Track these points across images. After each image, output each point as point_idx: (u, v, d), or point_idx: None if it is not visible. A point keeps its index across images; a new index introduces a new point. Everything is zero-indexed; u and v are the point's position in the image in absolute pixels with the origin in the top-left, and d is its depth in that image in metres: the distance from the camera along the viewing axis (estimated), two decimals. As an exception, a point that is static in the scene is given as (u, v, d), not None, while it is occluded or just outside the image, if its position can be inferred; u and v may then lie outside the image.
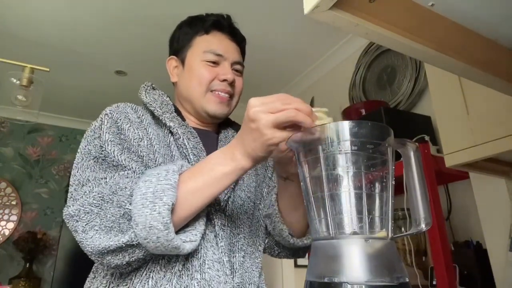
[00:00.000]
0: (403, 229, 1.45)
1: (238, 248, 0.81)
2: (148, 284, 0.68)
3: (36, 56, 2.47)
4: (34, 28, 2.26)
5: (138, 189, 0.63)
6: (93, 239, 0.63)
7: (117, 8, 2.11)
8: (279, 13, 2.14)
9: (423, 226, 0.50)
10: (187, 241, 0.67)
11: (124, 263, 0.65)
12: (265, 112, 0.57)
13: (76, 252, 2.85)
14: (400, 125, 1.52)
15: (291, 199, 0.81)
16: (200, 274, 0.72)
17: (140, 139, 0.76)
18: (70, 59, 2.60)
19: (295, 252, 0.93)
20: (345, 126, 0.50)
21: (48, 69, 1.56)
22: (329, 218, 0.48)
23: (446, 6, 0.45)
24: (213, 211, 0.78)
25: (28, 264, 2.97)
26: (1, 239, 3.10)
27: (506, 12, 0.47)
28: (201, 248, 0.74)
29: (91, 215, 0.64)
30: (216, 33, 0.92)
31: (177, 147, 0.82)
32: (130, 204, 0.63)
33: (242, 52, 0.97)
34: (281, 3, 2.04)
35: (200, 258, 0.73)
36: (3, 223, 3.15)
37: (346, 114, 1.84)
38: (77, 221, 0.65)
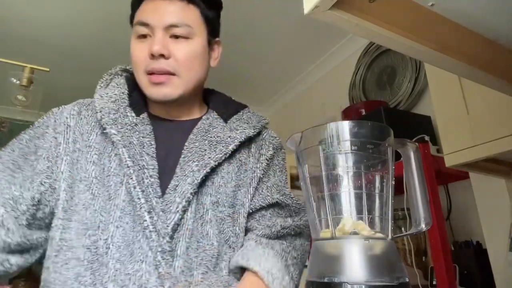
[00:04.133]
0: (403, 229, 1.45)
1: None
2: None
3: (36, 56, 2.47)
4: (34, 28, 2.26)
5: None
6: None
7: (117, 8, 2.11)
8: (279, 12, 2.14)
9: (423, 226, 0.50)
10: None
11: None
12: None
13: (76, 252, 2.85)
14: (400, 125, 1.52)
15: None
16: None
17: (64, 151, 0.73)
18: (70, 59, 2.60)
19: None
20: (345, 126, 0.50)
21: (48, 69, 1.57)
22: (329, 218, 0.48)
23: (446, 6, 0.45)
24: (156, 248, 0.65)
25: (28, 264, 2.97)
26: None
27: (506, 12, 0.47)
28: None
29: None
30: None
31: (116, 154, 0.72)
32: None
33: (205, 17, 0.78)
34: (281, 2, 2.04)
35: None
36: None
37: (346, 114, 1.84)
38: None
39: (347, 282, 0.42)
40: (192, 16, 0.76)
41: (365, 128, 0.50)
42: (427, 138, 1.43)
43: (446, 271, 1.17)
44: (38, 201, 0.70)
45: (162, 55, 0.72)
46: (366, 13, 0.42)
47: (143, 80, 0.75)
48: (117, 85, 0.80)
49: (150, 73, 0.73)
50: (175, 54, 0.73)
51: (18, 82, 1.57)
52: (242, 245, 0.75)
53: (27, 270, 2.94)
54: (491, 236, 1.19)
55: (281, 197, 0.78)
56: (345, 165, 0.49)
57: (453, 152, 0.95)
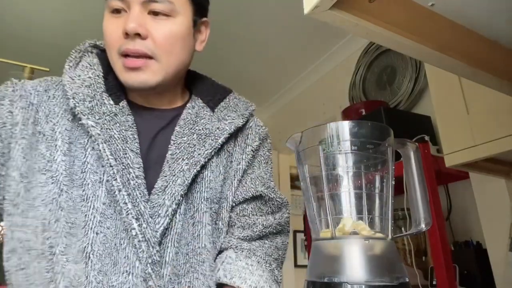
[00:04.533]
0: (403, 229, 1.45)
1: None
2: None
3: (36, 56, 2.47)
4: (34, 28, 2.26)
5: None
6: None
7: (117, 8, 2.11)
8: (279, 12, 2.14)
9: (423, 226, 0.50)
10: None
11: None
12: None
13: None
14: (400, 125, 1.52)
15: None
16: None
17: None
18: (70, 59, 2.60)
19: None
20: (345, 126, 0.50)
21: (48, 69, 1.57)
22: (329, 218, 0.48)
23: (446, 6, 0.45)
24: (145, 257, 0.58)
25: (28, 264, 2.97)
26: (1, 239, 3.10)
27: (506, 12, 0.47)
28: None
29: None
30: None
31: (93, 148, 0.63)
32: None
33: None
34: (281, 2, 2.04)
35: None
36: (3, 223, 3.16)
37: (346, 114, 1.84)
38: None
39: (347, 282, 0.42)
40: None
41: (365, 128, 0.50)
42: (427, 138, 1.43)
43: (446, 271, 1.17)
44: None
45: (138, 35, 0.62)
46: (366, 13, 0.42)
47: (116, 64, 0.65)
48: (90, 65, 0.69)
49: (125, 55, 0.63)
50: (153, 34, 0.63)
51: (18, 82, 1.57)
52: (223, 238, 0.70)
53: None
54: (491, 236, 1.19)
55: (265, 190, 0.73)
56: (345, 165, 0.49)
57: (453, 152, 0.95)
